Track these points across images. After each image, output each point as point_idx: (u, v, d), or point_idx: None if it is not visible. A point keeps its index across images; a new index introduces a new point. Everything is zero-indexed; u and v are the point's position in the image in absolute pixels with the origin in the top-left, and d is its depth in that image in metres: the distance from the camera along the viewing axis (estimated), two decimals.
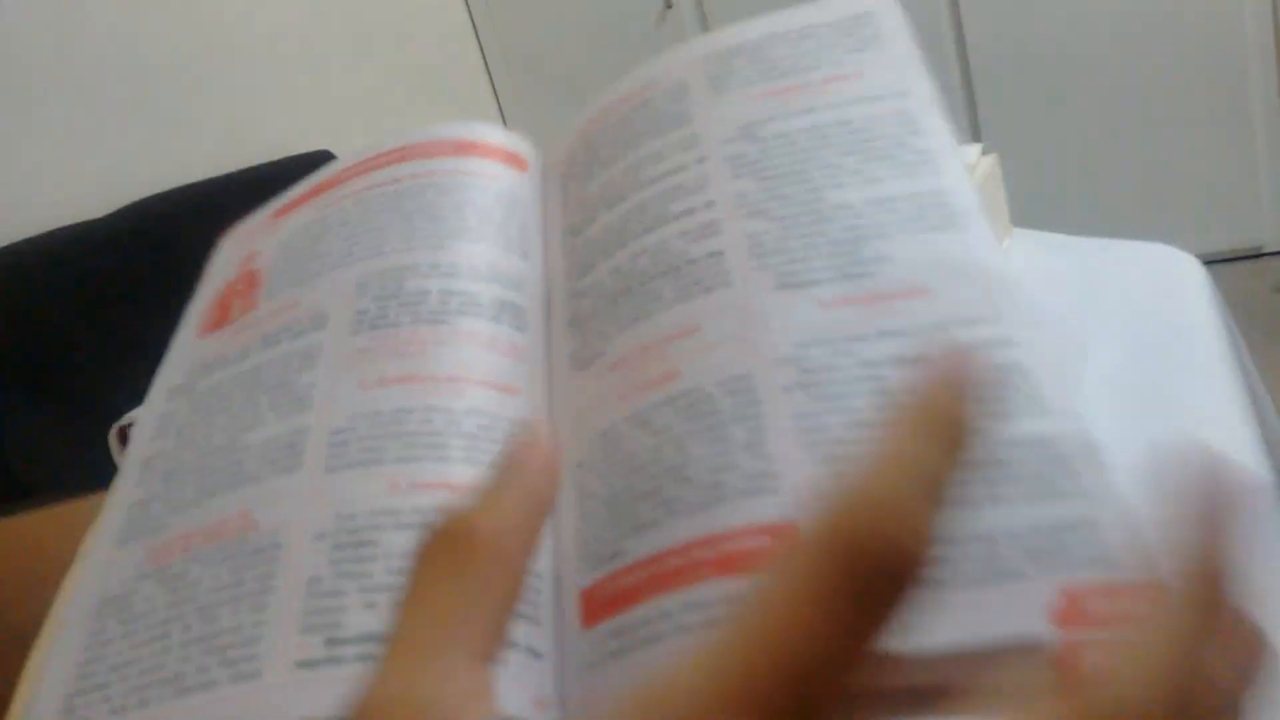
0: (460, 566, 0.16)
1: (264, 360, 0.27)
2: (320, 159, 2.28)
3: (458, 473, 0.23)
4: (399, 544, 0.22)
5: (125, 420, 0.64)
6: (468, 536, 0.16)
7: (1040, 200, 2.49)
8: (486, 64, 3.09)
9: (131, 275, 1.68)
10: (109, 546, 0.24)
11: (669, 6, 2.77)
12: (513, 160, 0.32)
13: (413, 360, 0.25)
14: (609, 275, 0.26)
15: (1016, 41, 2.44)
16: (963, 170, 0.26)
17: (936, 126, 0.27)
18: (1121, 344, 0.46)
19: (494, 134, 0.33)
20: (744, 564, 0.19)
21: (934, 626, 0.15)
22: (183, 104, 2.06)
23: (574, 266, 0.28)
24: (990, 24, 2.45)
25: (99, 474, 0.65)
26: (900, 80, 0.29)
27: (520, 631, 0.20)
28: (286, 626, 0.21)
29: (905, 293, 0.23)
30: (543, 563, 0.22)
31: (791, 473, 0.20)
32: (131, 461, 0.27)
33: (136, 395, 0.68)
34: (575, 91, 3.00)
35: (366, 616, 0.20)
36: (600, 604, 0.20)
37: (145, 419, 0.28)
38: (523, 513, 0.17)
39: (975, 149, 0.63)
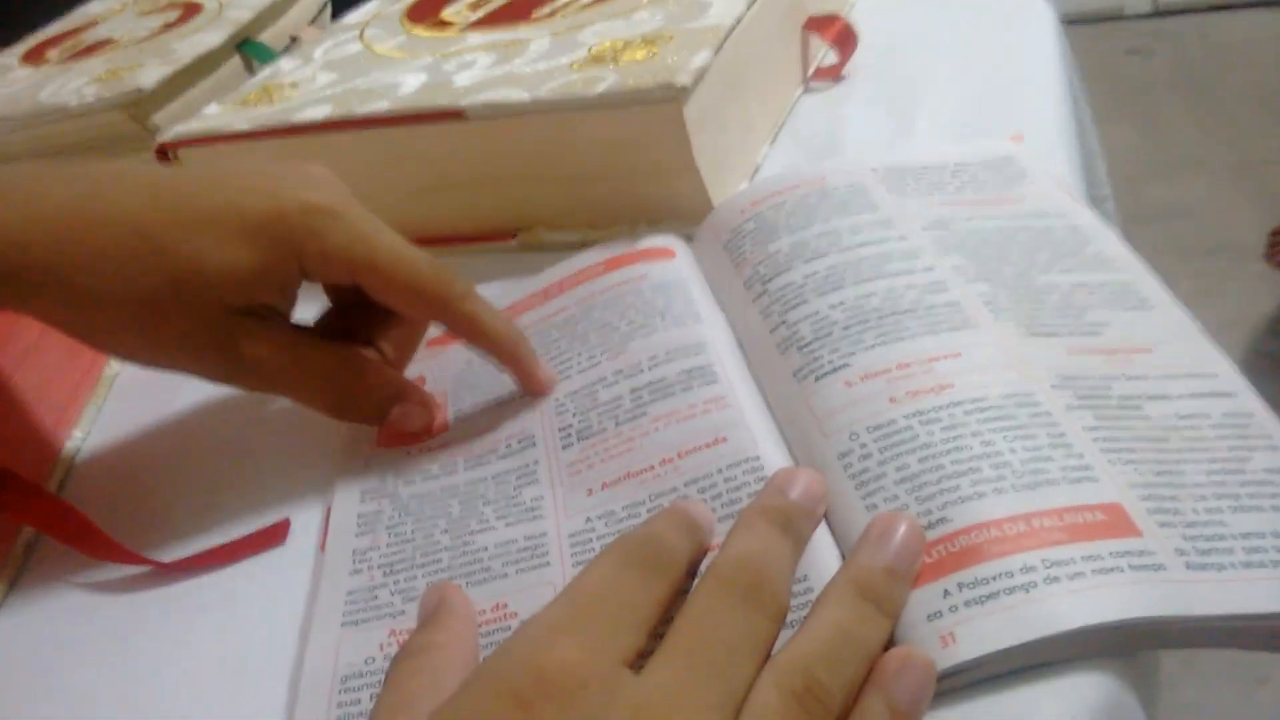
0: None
1: (476, 477, 0.30)
2: None
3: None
4: None
5: None
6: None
7: None
8: None
9: None
10: (336, 629, 0.27)
11: None
12: (658, 255, 0.37)
13: (625, 459, 0.28)
14: (830, 309, 0.30)
15: None
16: (1146, 270, 0.31)
17: (1107, 239, 0.32)
18: (961, 82, 0.47)
19: (633, 244, 0.38)
20: (1081, 534, 0.22)
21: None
22: None
23: (774, 305, 0.32)
24: None
25: None
26: (1059, 206, 0.34)
27: None
28: None
29: (1133, 349, 0.28)
30: (828, 555, 0.24)
31: (1106, 471, 0.24)
32: (336, 552, 0.29)
33: None
34: None
35: None
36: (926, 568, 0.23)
37: (340, 512, 0.31)
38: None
39: None
